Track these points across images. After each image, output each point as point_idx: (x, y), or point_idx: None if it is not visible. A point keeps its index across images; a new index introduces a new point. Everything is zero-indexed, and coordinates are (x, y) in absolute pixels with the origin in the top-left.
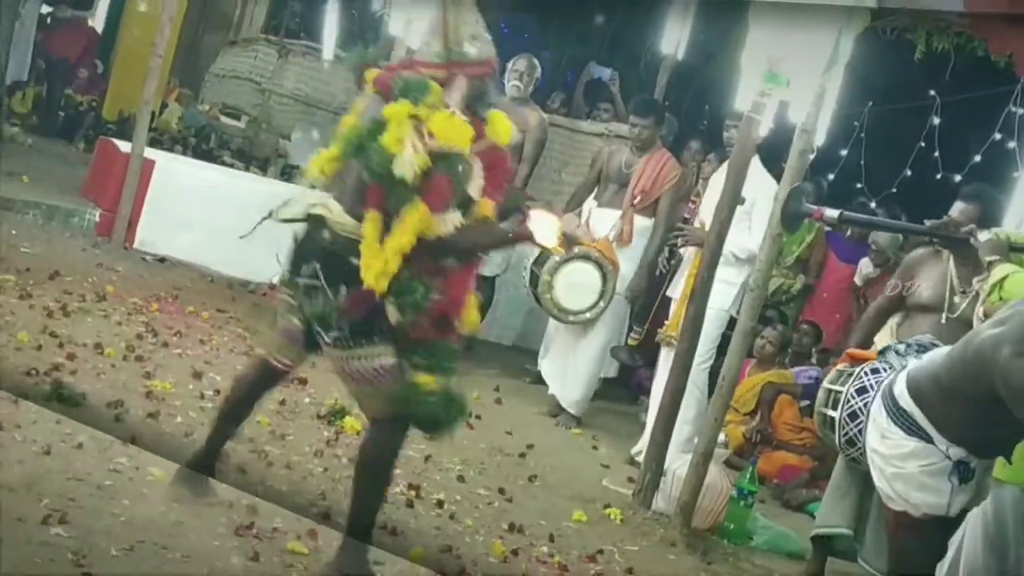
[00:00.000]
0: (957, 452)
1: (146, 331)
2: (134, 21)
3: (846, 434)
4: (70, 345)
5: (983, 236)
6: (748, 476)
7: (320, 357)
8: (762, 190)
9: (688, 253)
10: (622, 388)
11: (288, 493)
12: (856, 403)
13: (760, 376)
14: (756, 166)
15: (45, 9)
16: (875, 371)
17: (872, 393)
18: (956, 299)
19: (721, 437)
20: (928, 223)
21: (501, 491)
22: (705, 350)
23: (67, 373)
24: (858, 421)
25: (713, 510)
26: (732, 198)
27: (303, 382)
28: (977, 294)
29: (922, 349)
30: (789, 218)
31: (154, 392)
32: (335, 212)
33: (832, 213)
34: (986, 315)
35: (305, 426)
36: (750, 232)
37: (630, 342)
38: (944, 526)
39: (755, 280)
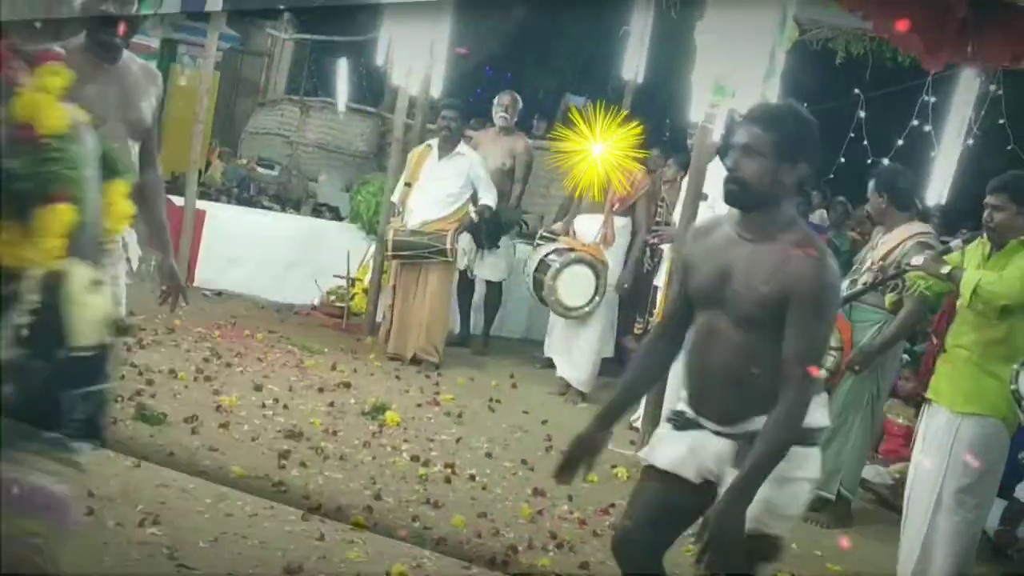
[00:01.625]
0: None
1: (211, 355)
2: (176, 95)
3: None
4: (148, 373)
5: (917, 259)
6: None
7: (359, 364)
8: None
9: (667, 247)
10: (618, 365)
11: (344, 479)
12: None
13: None
14: (718, 166)
15: None
16: None
17: None
18: (868, 255)
19: None
20: (864, 282)
21: (523, 462)
22: None
23: (148, 396)
24: None
25: None
26: (695, 196)
27: (347, 386)
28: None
29: None
30: None
31: (223, 406)
32: None
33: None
34: (871, 262)
35: (352, 423)
36: None
37: (636, 331)
38: (662, 481)
39: None
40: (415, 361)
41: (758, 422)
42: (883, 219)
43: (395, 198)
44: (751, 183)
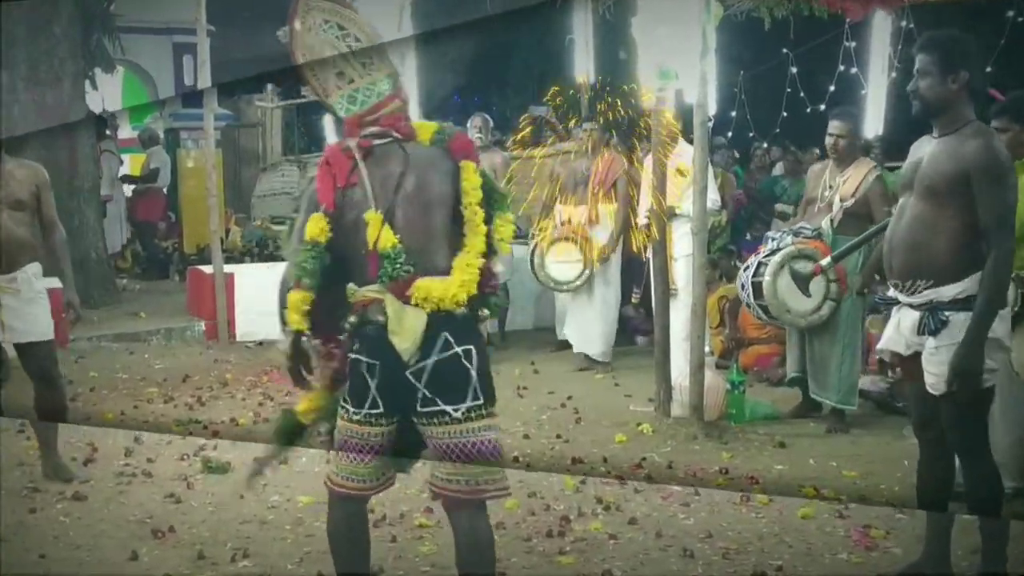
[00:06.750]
0: None
1: (264, 398)
2: (187, 175)
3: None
4: (212, 425)
5: None
6: (734, 371)
7: None
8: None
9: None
10: (621, 334)
11: (401, 487)
12: (743, 276)
13: (713, 296)
14: (682, 145)
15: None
16: (755, 252)
17: (751, 268)
18: (826, 194)
19: (707, 348)
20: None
21: (558, 436)
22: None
23: (211, 449)
24: (742, 285)
25: (717, 404)
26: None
27: None
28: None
29: (792, 232)
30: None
31: None
32: None
33: (826, 261)
34: (841, 199)
35: None
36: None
37: (633, 301)
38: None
39: (695, 226)
40: None
41: (940, 292)
42: (846, 159)
43: None
44: (925, 96)
